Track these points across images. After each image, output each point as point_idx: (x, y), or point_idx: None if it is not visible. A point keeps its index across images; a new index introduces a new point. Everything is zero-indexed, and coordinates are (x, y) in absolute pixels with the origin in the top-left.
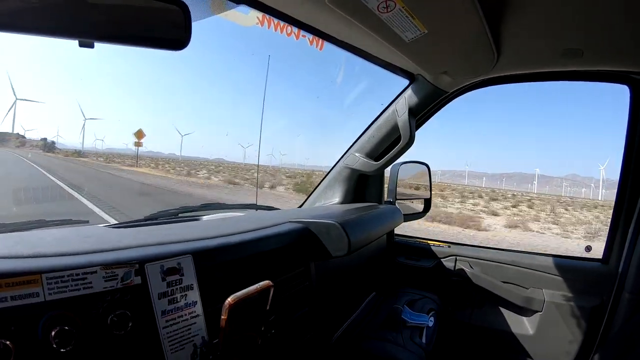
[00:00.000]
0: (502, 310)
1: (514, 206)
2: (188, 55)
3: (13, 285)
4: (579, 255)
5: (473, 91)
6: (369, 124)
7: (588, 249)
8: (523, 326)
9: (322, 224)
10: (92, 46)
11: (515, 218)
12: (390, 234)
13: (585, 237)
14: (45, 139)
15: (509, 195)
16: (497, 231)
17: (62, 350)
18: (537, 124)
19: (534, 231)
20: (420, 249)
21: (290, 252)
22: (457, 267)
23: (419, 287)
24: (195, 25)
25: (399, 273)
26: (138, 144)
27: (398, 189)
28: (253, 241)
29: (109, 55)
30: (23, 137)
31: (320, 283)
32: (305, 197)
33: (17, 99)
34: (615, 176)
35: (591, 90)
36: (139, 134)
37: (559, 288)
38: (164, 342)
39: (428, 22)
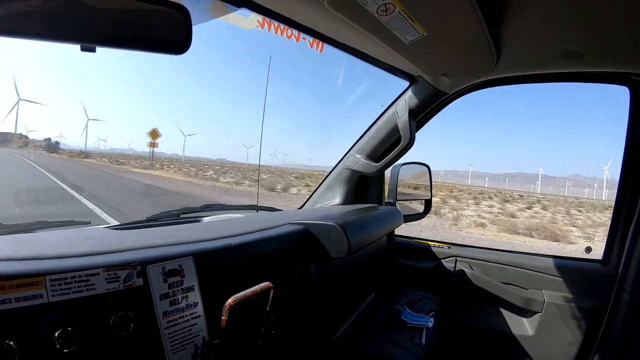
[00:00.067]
0: (502, 311)
1: (528, 208)
2: (188, 55)
3: (17, 287)
4: (579, 256)
5: (474, 92)
6: (370, 125)
7: (588, 249)
8: (523, 327)
9: (322, 226)
10: (93, 50)
11: (535, 221)
12: (391, 234)
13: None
14: (49, 139)
15: (517, 196)
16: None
17: (65, 350)
18: (539, 124)
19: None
20: (420, 250)
21: (291, 253)
22: (457, 268)
23: (419, 287)
24: (196, 28)
25: (399, 274)
26: (153, 145)
27: (399, 190)
28: (253, 243)
29: (109, 55)
30: (26, 137)
31: (321, 284)
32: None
33: (19, 99)
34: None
35: (593, 90)
36: (154, 134)
37: (559, 289)
38: (166, 343)
39: (427, 25)
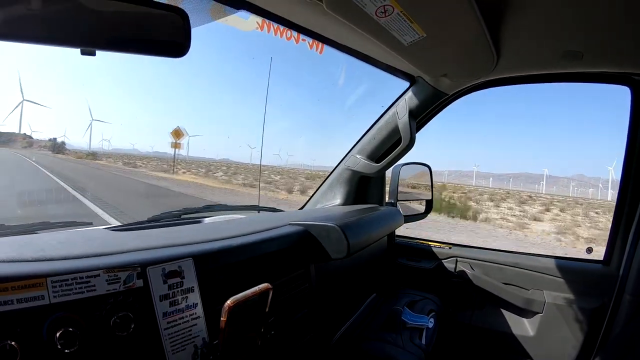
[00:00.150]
0: (503, 311)
1: (547, 210)
2: (188, 56)
3: (19, 289)
4: (580, 256)
5: (475, 92)
6: (370, 126)
7: (589, 250)
8: (524, 327)
9: (322, 227)
10: (93, 54)
11: (560, 224)
12: (391, 235)
13: None
14: (54, 139)
15: (526, 197)
16: None
17: (66, 351)
18: (541, 124)
19: None
20: (421, 250)
21: (290, 254)
22: (457, 269)
23: (420, 288)
24: (196, 30)
25: (400, 274)
26: (176, 146)
27: (400, 190)
28: (253, 244)
29: (110, 56)
30: (30, 137)
31: (321, 285)
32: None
33: (23, 99)
34: None
35: (595, 91)
36: (177, 133)
37: (560, 289)
38: (166, 343)
39: (426, 26)
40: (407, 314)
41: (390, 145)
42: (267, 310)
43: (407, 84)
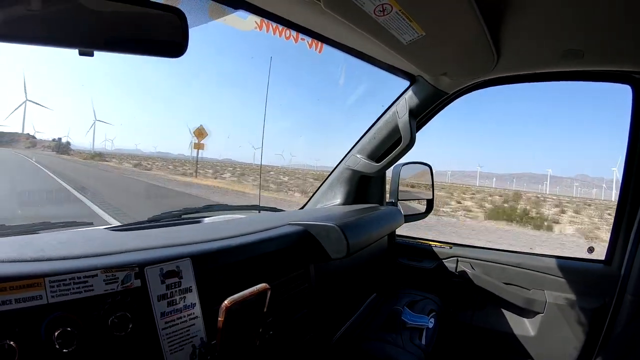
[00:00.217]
0: (504, 311)
1: (562, 212)
2: (187, 55)
3: (17, 289)
4: (581, 256)
5: (477, 91)
6: (370, 125)
7: (590, 250)
8: (524, 327)
9: (322, 227)
10: (91, 54)
11: (580, 227)
12: (392, 234)
13: None
14: (59, 140)
15: (534, 198)
16: None
17: (64, 350)
18: (544, 124)
19: None
20: (421, 250)
21: (290, 254)
22: (458, 268)
23: (420, 288)
24: (195, 30)
25: (400, 274)
26: (199, 146)
27: (400, 190)
28: (252, 244)
29: (109, 55)
30: (33, 137)
31: (320, 285)
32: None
33: (27, 99)
34: None
35: (598, 90)
36: (200, 133)
37: (561, 289)
38: (163, 343)
39: (425, 25)
40: (407, 314)
41: (391, 145)
42: (265, 310)
43: (407, 83)
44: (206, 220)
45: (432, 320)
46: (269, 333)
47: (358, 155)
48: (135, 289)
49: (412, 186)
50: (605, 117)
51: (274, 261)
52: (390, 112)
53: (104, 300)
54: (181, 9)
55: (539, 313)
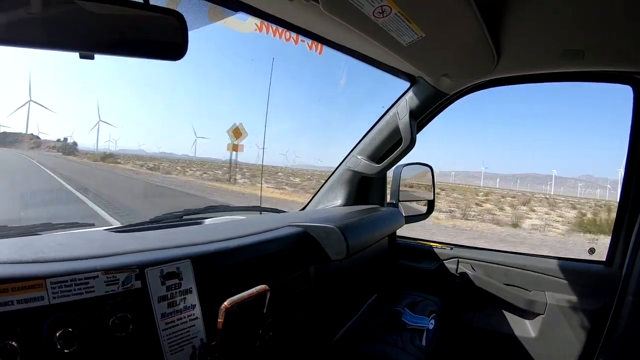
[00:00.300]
0: (505, 312)
1: (582, 214)
2: (187, 56)
3: (19, 290)
4: (582, 257)
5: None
6: (371, 126)
7: (591, 251)
8: (525, 329)
9: (321, 228)
10: (92, 58)
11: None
12: (392, 235)
13: None
14: (65, 140)
15: (542, 198)
16: None
17: (65, 351)
18: (546, 124)
19: None
20: (422, 251)
21: (290, 255)
22: (459, 270)
23: (421, 289)
24: (195, 33)
25: (401, 275)
26: (236, 148)
27: (401, 191)
28: (252, 245)
29: (109, 57)
30: (37, 137)
31: (320, 286)
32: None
33: (30, 100)
34: None
35: (599, 90)
36: (237, 132)
37: (562, 290)
38: (164, 344)
39: (425, 26)
40: (408, 315)
41: (392, 146)
42: (265, 311)
43: (408, 84)
44: (207, 221)
45: (433, 321)
46: (269, 334)
47: (359, 157)
48: (135, 290)
49: (413, 187)
50: (608, 117)
51: (273, 262)
52: (390, 113)
53: (104, 302)
54: (180, 11)
55: (539, 314)
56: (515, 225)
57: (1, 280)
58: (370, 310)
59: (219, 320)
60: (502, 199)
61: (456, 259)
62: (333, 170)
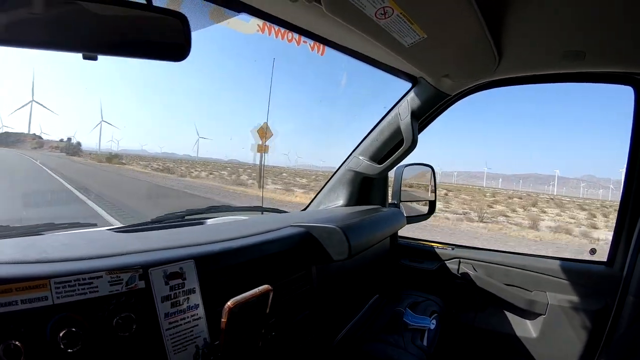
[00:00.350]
0: (506, 313)
1: (593, 215)
2: (189, 57)
3: (23, 290)
4: (583, 257)
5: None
6: (373, 127)
7: (593, 251)
8: (526, 329)
9: (323, 228)
10: (95, 59)
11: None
12: (394, 236)
13: None
14: (69, 140)
15: (548, 199)
16: None
17: (69, 350)
18: (549, 124)
19: None
20: (424, 251)
21: (292, 256)
22: (460, 270)
23: (423, 289)
24: (198, 34)
25: (403, 275)
26: (262, 149)
27: (402, 191)
28: (254, 245)
29: (109, 58)
30: (40, 137)
31: (322, 286)
32: None
33: (33, 100)
34: None
35: (600, 91)
36: (263, 132)
37: (563, 291)
38: (167, 344)
39: (427, 27)
40: (409, 315)
41: (393, 147)
42: (267, 311)
43: (409, 85)
44: (209, 221)
45: (434, 321)
46: (271, 334)
47: (360, 157)
48: (139, 290)
49: (414, 187)
50: (611, 117)
51: (276, 263)
52: (392, 114)
53: (108, 301)
54: (184, 12)
55: (540, 314)
56: (564, 231)
57: (5, 280)
58: (372, 310)
59: (222, 320)
60: (510, 200)
61: (457, 259)
62: (335, 170)
